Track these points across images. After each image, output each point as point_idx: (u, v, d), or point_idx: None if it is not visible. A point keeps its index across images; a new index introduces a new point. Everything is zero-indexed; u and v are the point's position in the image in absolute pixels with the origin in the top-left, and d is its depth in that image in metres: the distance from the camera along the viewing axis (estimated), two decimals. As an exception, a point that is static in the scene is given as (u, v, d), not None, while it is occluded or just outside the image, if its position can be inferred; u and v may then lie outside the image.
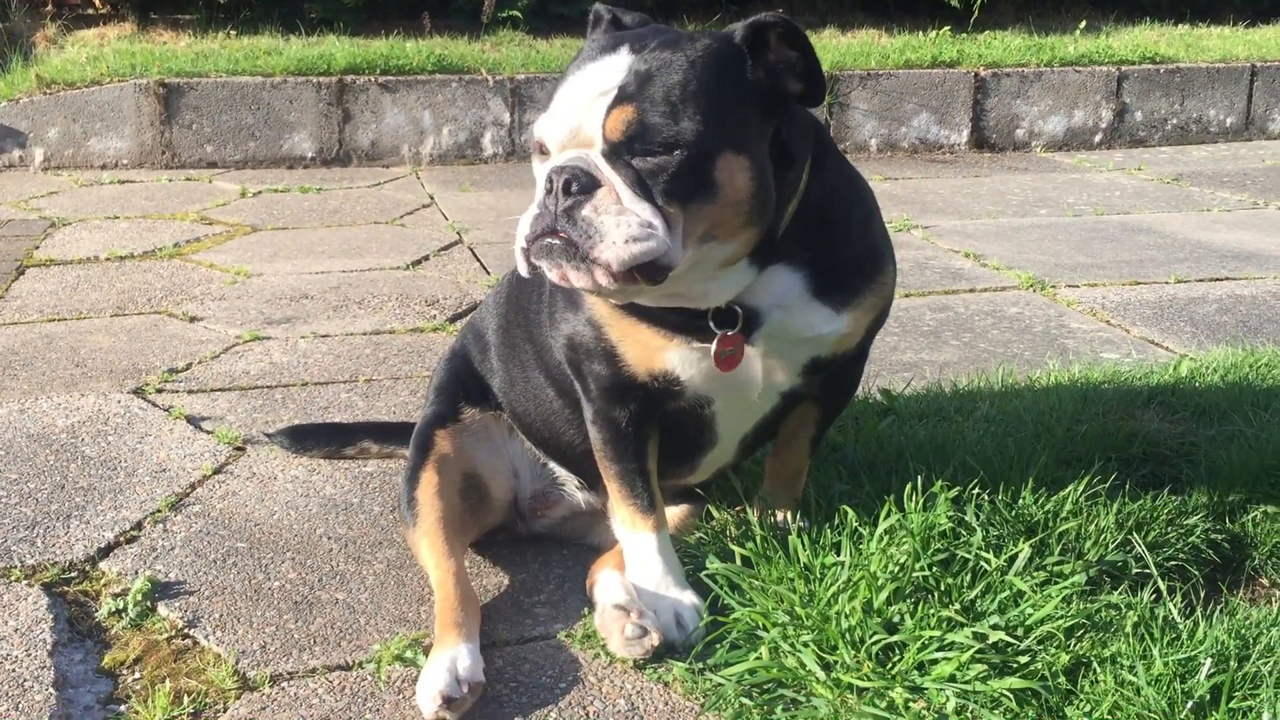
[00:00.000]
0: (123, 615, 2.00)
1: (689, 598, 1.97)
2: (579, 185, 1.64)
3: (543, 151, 1.73)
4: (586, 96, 1.66)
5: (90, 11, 7.83)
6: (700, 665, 1.85)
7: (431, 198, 5.65)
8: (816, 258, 1.87)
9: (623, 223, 1.62)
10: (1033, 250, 4.61)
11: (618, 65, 1.66)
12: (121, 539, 2.27)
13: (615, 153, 1.65)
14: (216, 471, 2.57)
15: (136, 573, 2.14)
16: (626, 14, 1.86)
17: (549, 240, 1.66)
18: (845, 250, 1.92)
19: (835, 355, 1.96)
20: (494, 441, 2.26)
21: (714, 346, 1.83)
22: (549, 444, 2.21)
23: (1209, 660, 1.65)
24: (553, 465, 2.25)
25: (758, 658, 1.82)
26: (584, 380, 1.98)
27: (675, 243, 1.65)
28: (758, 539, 2.01)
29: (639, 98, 1.63)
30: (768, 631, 1.84)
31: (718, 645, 1.86)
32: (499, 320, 2.27)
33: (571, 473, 2.23)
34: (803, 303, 1.87)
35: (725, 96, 1.68)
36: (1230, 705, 1.59)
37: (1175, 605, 1.81)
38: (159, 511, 2.38)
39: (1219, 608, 1.86)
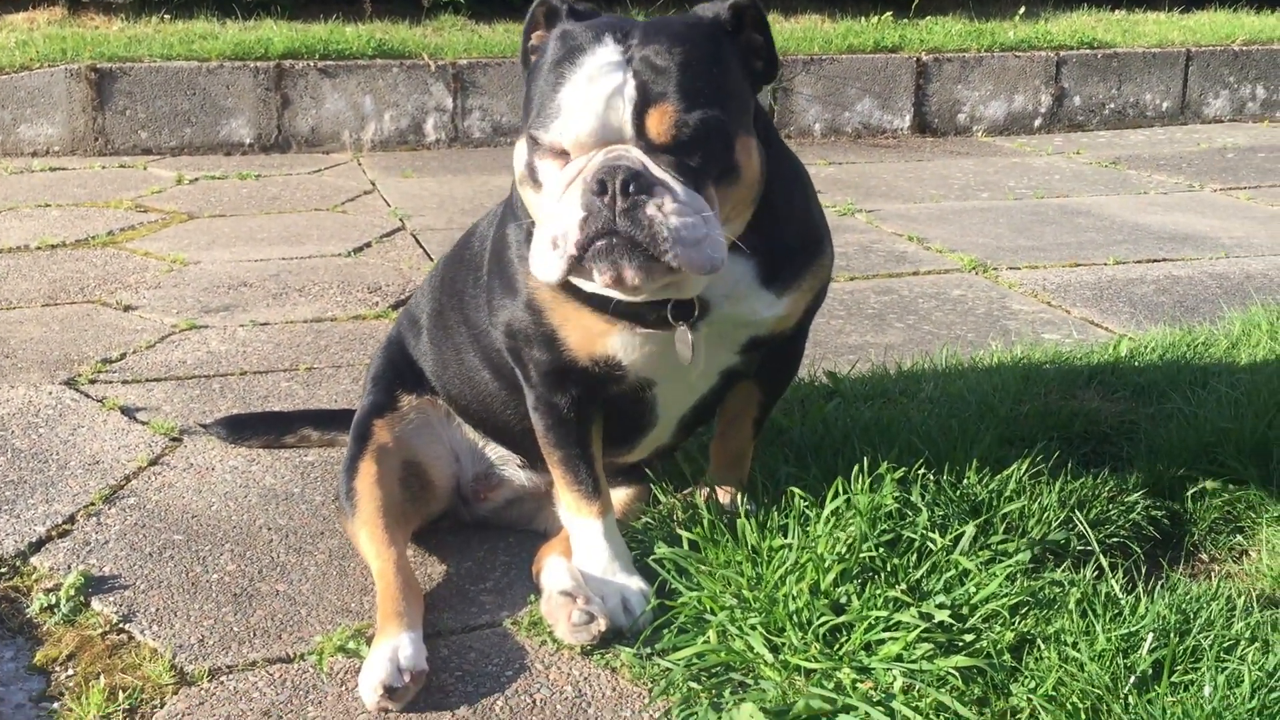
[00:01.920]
0: (55, 611, 1.95)
1: (636, 583, 1.95)
2: (638, 185, 1.59)
3: (557, 155, 1.68)
4: (601, 94, 1.62)
5: (18, -5, 7.63)
6: (648, 650, 1.84)
7: (373, 184, 5.58)
8: (765, 243, 1.86)
9: (687, 223, 1.60)
10: (975, 233, 4.64)
11: (617, 59, 1.64)
12: (53, 533, 2.21)
13: (653, 148, 1.62)
14: (152, 463, 2.51)
15: (69, 567, 2.08)
16: (579, 3, 1.82)
17: (606, 241, 1.61)
18: (790, 233, 1.92)
19: (774, 334, 1.96)
20: (433, 428, 2.23)
21: (633, 338, 1.84)
22: (486, 424, 2.19)
23: (1151, 635, 1.67)
24: (492, 446, 2.22)
25: (705, 641, 1.81)
26: (524, 366, 1.95)
27: (720, 233, 1.65)
28: (705, 523, 2.00)
29: (665, 89, 1.62)
30: (715, 615, 1.84)
31: (665, 630, 1.85)
32: (433, 304, 2.24)
33: (512, 451, 2.21)
34: (751, 291, 1.87)
35: (729, 79, 1.71)
36: (1172, 679, 1.61)
37: (1117, 581, 1.83)
38: (92, 505, 2.32)
39: (1160, 583, 1.88)
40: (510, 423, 2.13)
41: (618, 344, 1.87)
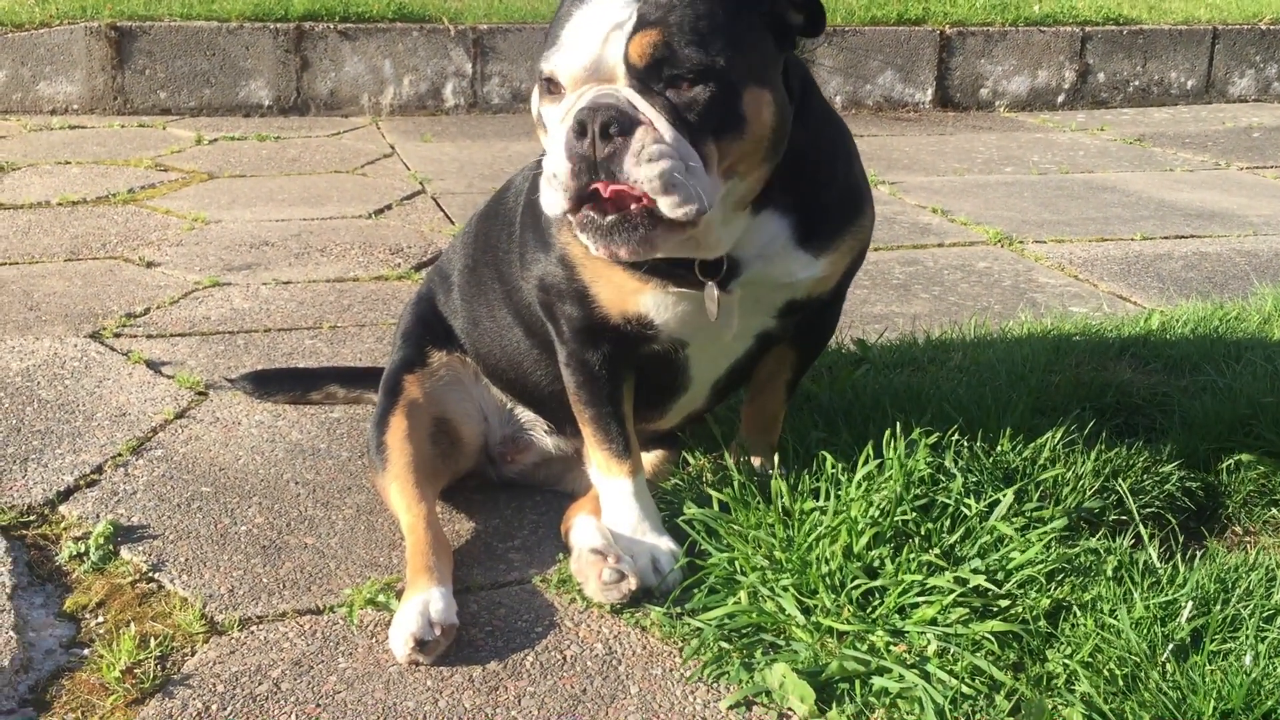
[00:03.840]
0: (84, 559, 1.95)
1: (666, 543, 1.94)
2: (618, 127, 1.54)
3: (552, 91, 1.64)
4: (602, 28, 1.57)
5: (37, -48, 7.59)
6: (678, 610, 1.83)
7: (393, 148, 5.55)
8: (802, 202, 1.83)
9: (667, 167, 1.53)
10: (999, 207, 4.60)
11: None
12: (81, 483, 2.20)
13: (645, 83, 1.56)
14: (178, 416, 2.50)
15: (98, 516, 2.08)
16: None
17: (594, 213, 1.57)
18: (829, 194, 1.89)
19: (811, 298, 1.93)
20: (464, 385, 2.22)
21: (665, 296, 1.80)
22: (515, 386, 2.17)
23: (1190, 603, 1.65)
24: (520, 409, 2.21)
25: (736, 602, 1.80)
26: (556, 322, 1.94)
27: (714, 181, 1.60)
28: (735, 484, 1.99)
29: (664, 23, 1.56)
30: (746, 576, 1.82)
31: (695, 590, 1.84)
32: (465, 260, 2.22)
33: (540, 415, 2.19)
34: (786, 251, 1.84)
35: (745, 27, 1.63)
36: (1211, 648, 1.59)
37: (1154, 551, 1.81)
38: (119, 455, 2.31)
39: (1198, 554, 1.87)
40: (540, 384, 2.11)
41: (650, 302, 1.84)
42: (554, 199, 1.62)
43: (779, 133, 1.69)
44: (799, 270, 1.87)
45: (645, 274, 1.81)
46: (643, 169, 1.54)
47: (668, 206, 1.56)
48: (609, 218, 1.58)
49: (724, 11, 1.61)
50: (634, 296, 1.84)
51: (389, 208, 4.40)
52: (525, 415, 2.22)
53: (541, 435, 2.22)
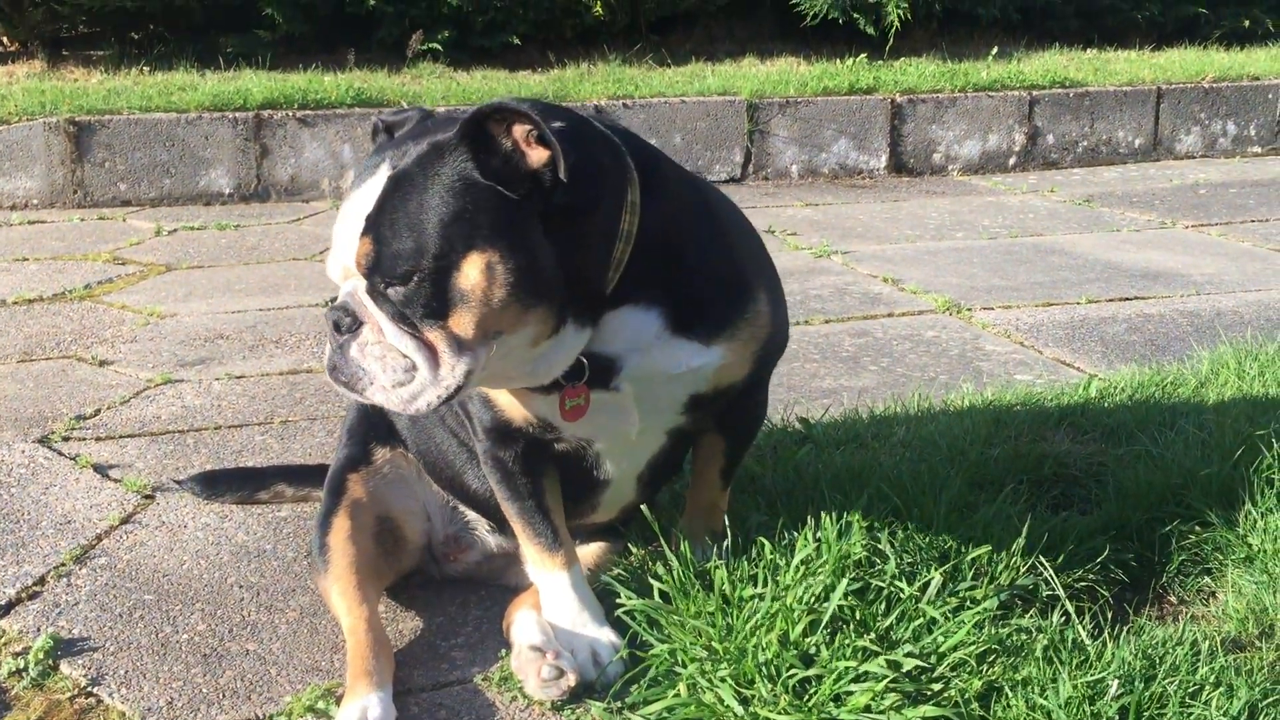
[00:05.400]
0: (24, 675, 1.94)
1: (606, 635, 1.95)
2: (345, 325, 1.68)
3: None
4: (351, 228, 1.66)
5: (-2, 49, 7.68)
6: (619, 704, 1.84)
7: (352, 232, 5.60)
8: (668, 292, 1.80)
9: (387, 366, 1.67)
10: (950, 273, 4.68)
11: (374, 190, 1.64)
12: (23, 595, 2.20)
13: (372, 284, 1.66)
14: (124, 521, 2.50)
15: (39, 630, 2.07)
16: (400, 114, 1.82)
17: (335, 377, 1.71)
18: (701, 278, 1.84)
19: (719, 389, 1.91)
20: (407, 483, 2.23)
21: (557, 399, 1.82)
22: (454, 485, 2.19)
23: (1115, 681, 1.68)
24: (462, 508, 2.22)
25: (676, 695, 1.81)
26: (471, 422, 1.98)
27: (461, 358, 1.64)
28: (675, 573, 2.00)
29: (377, 225, 1.63)
30: (686, 667, 1.84)
31: (636, 684, 1.85)
32: None
33: (481, 515, 2.21)
34: (662, 341, 1.82)
35: (456, 199, 1.61)
36: (1137, 726, 1.61)
37: (1085, 627, 1.84)
38: (63, 565, 2.31)
39: (1126, 628, 1.89)
40: (474, 483, 2.13)
41: (544, 406, 1.86)
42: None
43: (525, 283, 1.63)
44: (689, 359, 1.84)
45: None
46: (369, 364, 1.67)
47: (397, 402, 1.68)
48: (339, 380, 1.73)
49: (431, 192, 1.61)
50: (530, 401, 1.86)
51: (346, 295, 4.43)
52: (469, 514, 2.23)
53: (484, 534, 2.23)
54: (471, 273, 1.61)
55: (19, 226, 5.70)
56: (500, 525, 2.18)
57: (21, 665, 1.96)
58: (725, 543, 2.13)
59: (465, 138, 1.63)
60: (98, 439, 2.98)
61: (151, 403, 3.25)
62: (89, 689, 1.91)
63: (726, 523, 2.19)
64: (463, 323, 1.63)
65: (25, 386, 3.38)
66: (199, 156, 6.31)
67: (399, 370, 1.65)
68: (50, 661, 1.98)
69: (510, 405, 1.88)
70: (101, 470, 2.77)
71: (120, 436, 3.00)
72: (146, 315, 4.15)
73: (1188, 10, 9.07)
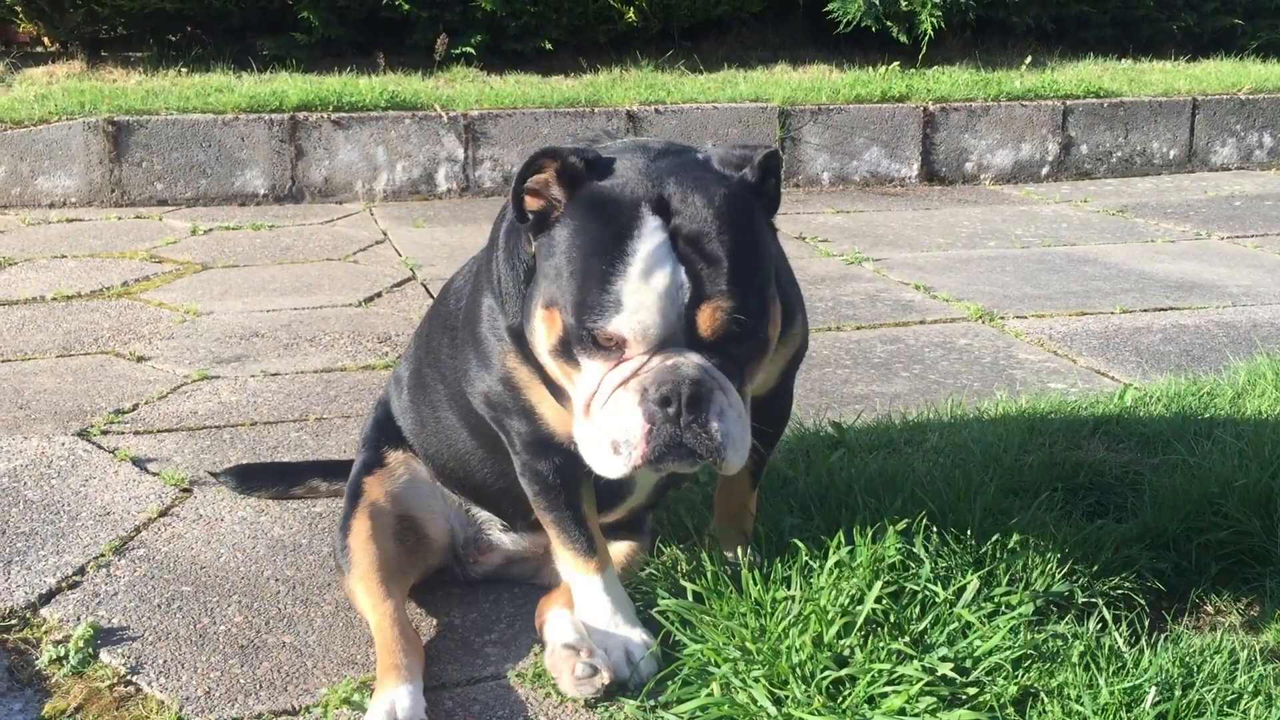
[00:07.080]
0: (64, 663, 1.97)
1: (639, 635, 1.96)
2: (699, 396, 1.64)
3: (606, 344, 1.66)
4: (657, 291, 1.61)
5: (39, 50, 7.77)
6: (652, 703, 1.84)
7: (385, 234, 5.64)
8: None
9: (738, 429, 1.67)
10: (982, 282, 4.66)
11: (663, 239, 1.62)
12: (64, 585, 2.23)
13: (710, 349, 1.66)
14: (162, 514, 2.53)
15: (79, 619, 2.10)
16: (587, 149, 1.76)
17: (670, 450, 1.66)
18: None
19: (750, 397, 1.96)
20: (424, 484, 2.25)
21: None
22: (464, 485, 2.20)
23: (1154, 688, 1.67)
24: (474, 509, 2.24)
25: (709, 694, 1.81)
26: (508, 434, 1.99)
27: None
28: (709, 574, 2.01)
29: (715, 287, 1.63)
30: (719, 667, 1.84)
31: (669, 682, 1.85)
32: (413, 362, 2.27)
33: (493, 514, 2.22)
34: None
35: (763, 247, 1.72)
36: (1175, 733, 1.61)
37: (1121, 634, 1.83)
38: (102, 556, 2.34)
39: (1164, 636, 1.88)
40: (488, 481, 2.15)
41: None
42: (614, 465, 1.69)
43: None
44: None
45: None
46: (732, 427, 1.67)
47: (734, 462, 1.69)
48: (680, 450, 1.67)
49: (752, 240, 1.68)
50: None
51: (379, 295, 4.46)
52: (480, 514, 2.25)
53: (499, 534, 2.24)
54: (773, 323, 1.74)
55: (58, 224, 5.77)
56: (512, 523, 2.20)
57: (62, 653, 1.98)
58: (756, 544, 2.13)
59: (761, 180, 1.74)
60: (136, 433, 3.02)
61: (189, 398, 3.28)
62: (128, 678, 1.93)
63: (756, 525, 2.19)
64: (758, 366, 1.74)
65: (65, 381, 3.42)
66: (235, 157, 6.36)
67: (742, 429, 1.69)
68: (90, 650, 2.00)
69: (556, 421, 1.90)
70: (140, 463, 2.80)
71: (158, 431, 3.03)
72: (183, 313, 4.19)
73: (1224, 21, 9.01)
